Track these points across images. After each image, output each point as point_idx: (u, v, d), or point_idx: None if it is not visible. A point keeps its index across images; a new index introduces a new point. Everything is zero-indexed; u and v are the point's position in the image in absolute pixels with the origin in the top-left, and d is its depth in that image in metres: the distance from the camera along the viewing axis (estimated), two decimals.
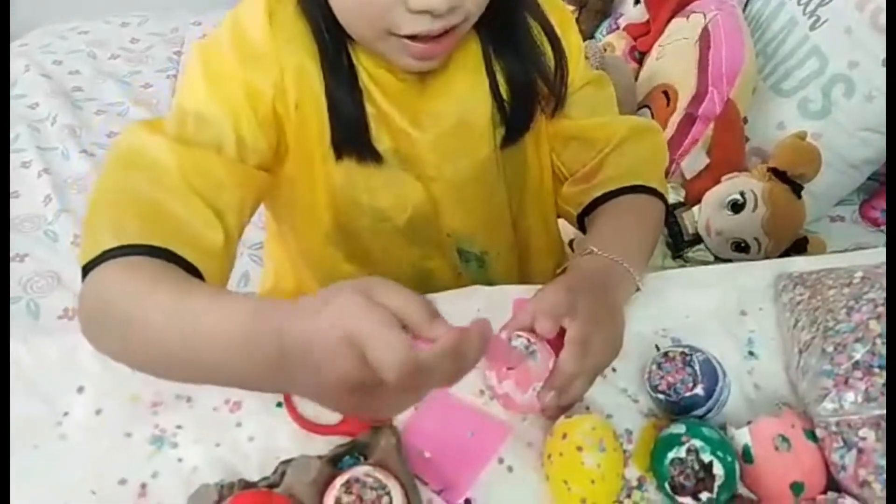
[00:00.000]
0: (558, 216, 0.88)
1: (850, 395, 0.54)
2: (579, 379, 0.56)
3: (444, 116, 0.72)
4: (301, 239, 0.82)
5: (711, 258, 1.15)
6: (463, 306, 0.70)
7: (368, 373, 0.37)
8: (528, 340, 0.58)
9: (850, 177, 1.19)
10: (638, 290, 0.69)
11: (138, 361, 0.54)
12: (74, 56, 1.90)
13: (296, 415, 0.62)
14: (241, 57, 0.64)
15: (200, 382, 0.53)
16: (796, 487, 0.54)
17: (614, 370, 0.66)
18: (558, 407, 0.57)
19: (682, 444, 0.54)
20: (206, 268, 0.58)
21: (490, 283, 0.76)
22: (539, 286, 0.67)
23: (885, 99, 1.08)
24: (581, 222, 0.80)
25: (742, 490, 0.56)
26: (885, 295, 0.58)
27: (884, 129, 1.11)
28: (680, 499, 0.54)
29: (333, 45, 0.66)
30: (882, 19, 1.08)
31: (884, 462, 0.52)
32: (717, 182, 1.15)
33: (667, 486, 0.55)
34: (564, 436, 0.56)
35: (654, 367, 0.62)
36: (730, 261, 1.12)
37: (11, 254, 1.32)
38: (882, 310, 0.58)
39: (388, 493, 0.52)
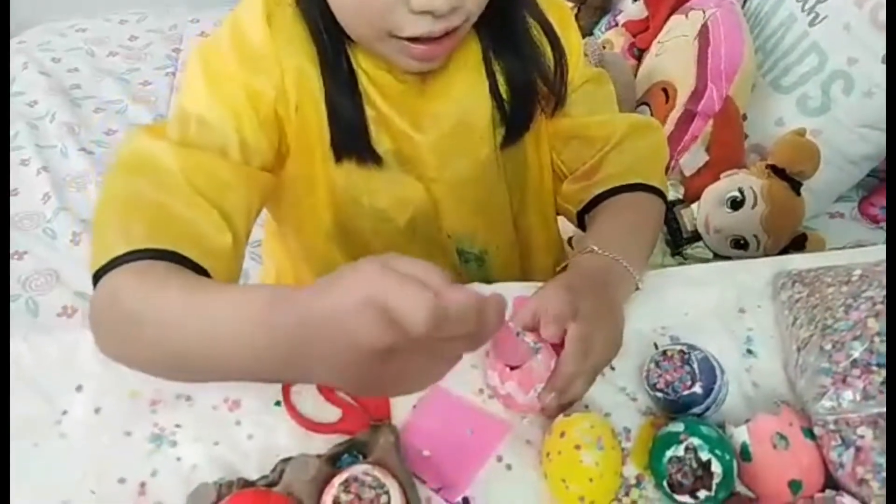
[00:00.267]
0: (558, 214, 0.88)
1: (848, 394, 0.54)
2: (579, 379, 0.57)
3: (444, 118, 0.71)
4: (302, 239, 0.82)
5: (710, 255, 1.15)
6: None
7: (395, 332, 0.35)
8: (534, 340, 0.58)
9: (849, 173, 1.19)
10: (637, 288, 0.69)
11: (153, 364, 0.53)
12: (73, 53, 1.89)
13: (295, 413, 0.62)
14: (242, 59, 0.64)
15: (217, 379, 0.51)
16: (794, 485, 0.54)
17: (613, 368, 0.66)
18: (558, 406, 0.57)
19: (680, 442, 0.54)
20: (216, 269, 0.58)
21: (489, 282, 0.76)
22: (539, 283, 0.67)
23: (885, 96, 1.08)
24: (581, 220, 0.80)
25: (740, 488, 0.57)
26: (884, 293, 0.58)
27: (883, 125, 1.11)
28: (678, 497, 0.54)
29: (332, 47, 0.66)
30: (881, 16, 1.08)
31: (882, 460, 0.52)
32: (717, 179, 1.15)
33: (665, 484, 0.55)
34: (563, 434, 0.56)
35: (652, 365, 0.62)
36: (729, 258, 1.12)
37: (10, 251, 1.32)
38: (881, 307, 0.58)
39: (387, 492, 0.52)
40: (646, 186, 0.77)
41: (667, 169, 1.15)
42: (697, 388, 0.59)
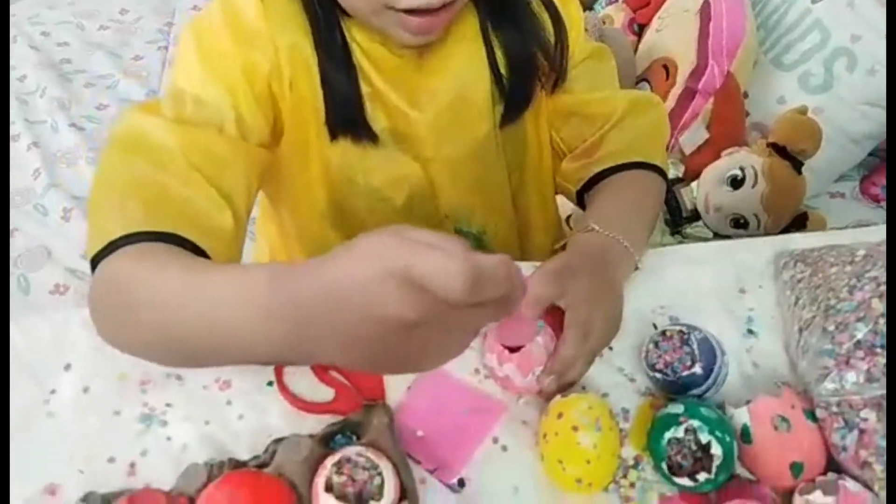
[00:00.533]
0: (557, 192, 0.87)
1: (851, 375, 0.53)
2: (579, 361, 0.56)
3: (441, 94, 0.70)
4: (296, 218, 0.80)
5: (710, 234, 1.14)
6: None
7: (427, 301, 0.32)
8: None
9: (850, 152, 1.18)
10: (637, 268, 0.68)
11: (153, 348, 0.52)
12: (62, 27, 1.86)
13: (287, 393, 0.61)
14: (235, 36, 0.62)
15: (216, 363, 0.50)
16: (796, 468, 0.53)
17: (611, 349, 0.64)
18: (556, 388, 0.56)
19: (679, 423, 0.53)
20: (216, 249, 0.56)
21: None
22: (537, 263, 0.66)
23: (885, 76, 1.06)
24: (580, 199, 0.79)
25: (740, 470, 0.56)
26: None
27: (885, 103, 1.10)
28: (677, 479, 0.53)
29: (325, 20, 0.64)
30: None
31: (885, 443, 0.51)
32: (717, 157, 1.13)
33: (664, 466, 0.54)
34: (560, 415, 0.55)
35: (651, 345, 0.61)
36: (728, 237, 1.11)
37: None
38: (885, 288, 0.57)
39: (380, 473, 0.51)
40: (646, 165, 0.75)
41: (667, 147, 1.14)
42: (697, 369, 0.58)
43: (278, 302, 0.39)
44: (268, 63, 0.63)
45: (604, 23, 1.46)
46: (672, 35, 1.30)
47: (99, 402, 0.62)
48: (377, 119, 0.68)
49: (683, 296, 0.70)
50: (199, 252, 0.55)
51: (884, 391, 0.51)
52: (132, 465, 0.58)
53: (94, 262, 0.54)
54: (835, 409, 0.53)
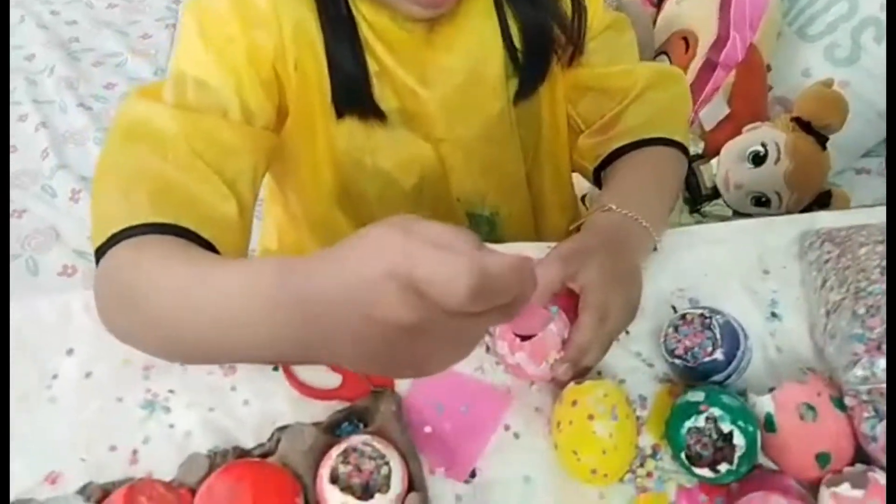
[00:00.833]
0: (573, 170, 0.84)
1: (882, 362, 0.51)
2: (594, 346, 0.53)
3: (453, 71, 0.67)
4: (303, 202, 0.78)
5: (730, 213, 1.11)
6: None
7: (426, 307, 0.30)
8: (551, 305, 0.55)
9: (877, 127, 1.14)
10: (655, 249, 0.65)
11: (162, 345, 0.50)
12: (71, 6, 1.84)
13: (293, 379, 0.59)
14: (238, 15, 0.60)
15: (225, 360, 0.49)
16: (822, 458, 0.50)
17: (628, 333, 0.62)
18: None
19: (700, 412, 0.51)
20: (222, 239, 0.55)
21: (499, 243, 0.72)
22: (552, 244, 0.64)
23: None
24: (597, 176, 0.76)
25: (763, 460, 0.53)
26: None
27: None
28: (697, 470, 0.51)
29: None
30: None
31: None
32: (738, 133, 1.10)
33: (683, 455, 0.52)
34: (574, 403, 0.52)
35: (670, 329, 0.58)
36: (749, 216, 1.08)
37: (9, 210, 1.29)
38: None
39: (387, 463, 0.49)
40: (667, 140, 0.72)
41: None
42: (719, 355, 0.55)
43: (285, 294, 0.37)
44: (272, 44, 0.61)
45: None
46: (692, 6, 1.26)
47: (101, 387, 0.61)
48: (386, 98, 0.66)
49: (704, 277, 0.67)
50: (203, 242, 0.53)
51: None
52: (134, 452, 0.57)
53: (98, 254, 0.53)
54: (865, 397, 0.51)
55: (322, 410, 0.57)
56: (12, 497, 0.53)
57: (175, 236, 0.52)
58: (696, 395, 0.53)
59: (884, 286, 0.54)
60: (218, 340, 0.43)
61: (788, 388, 0.53)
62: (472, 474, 0.54)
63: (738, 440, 0.50)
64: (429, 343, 0.32)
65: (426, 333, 0.31)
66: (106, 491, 0.52)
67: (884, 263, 0.56)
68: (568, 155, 0.80)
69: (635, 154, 0.72)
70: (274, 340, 0.38)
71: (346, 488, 0.48)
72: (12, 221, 1.28)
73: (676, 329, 0.58)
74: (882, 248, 0.57)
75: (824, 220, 0.71)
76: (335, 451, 0.49)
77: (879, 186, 1.17)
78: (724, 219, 1.10)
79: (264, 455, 0.54)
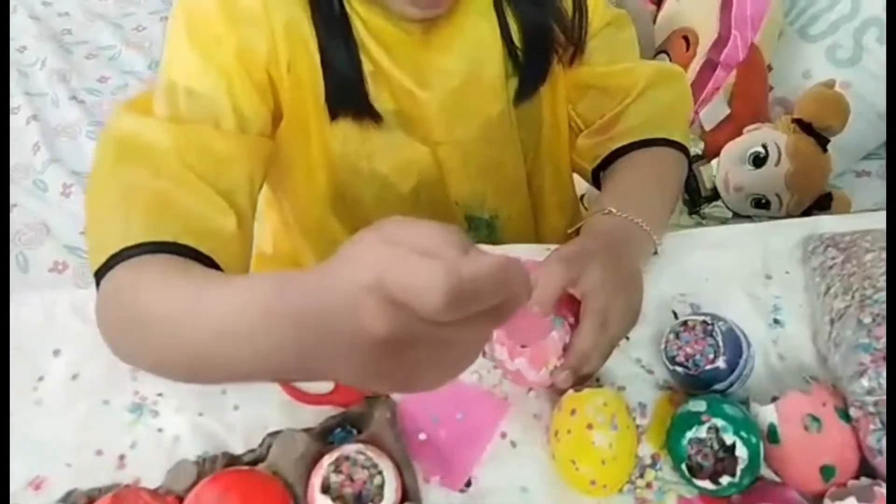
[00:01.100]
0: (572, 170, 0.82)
1: None
2: (596, 353, 0.52)
3: (451, 72, 0.65)
4: (298, 208, 0.76)
5: (729, 215, 1.10)
6: None
7: (401, 317, 0.28)
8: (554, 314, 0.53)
9: (878, 129, 1.13)
10: (655, 252, 0.64)
11: (166, 366, 0.48)
12: None
13: (285, 383, 0.58)
14: (229, 17, 0.58)
15: (227, 380, 0.47)
16: (826, 471, 0.49)
17: (627, 338, 0.60)
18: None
19: (702, 422, 0.50)
20: (221, 254, 0.53)
21: (497, 245, 0.71)
22: (550, 246, 0.62)
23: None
24: (595, 177, 0.74)
25: (765, 471, 0.52)
26: None
27: None
28: (698, 482, 0.50)
29: None
30: None
31: None
32: (738, 133, 1.08)
33: (683, 466, 0.50)
34: (573, 412, 0.51)
35: (671, 336, 0.57)
36: (749, 218, 1.07)
37: None
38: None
39: (380, 473, 0.48)
40: (667, 141, 0.71)
41: None
42: (721, 363, 0.54)
43: (283, 306, 0.35)
44: (265, 45, 0.59)
45: None
46: (693, 4, 1.24)
47: (88, 389, 0.60)
48: (382, 100, 0.64)
49: (705, 282, 0.66)
50: (203, 257, 0.52)
51: None
52: (121, 457, 0.56)
53: (98, 276, 0.51)
54: (871, 408, 0.49)
55: (314, 416, 0.56)
56: None
57: (174, 254, 0.51)
58: (698, 405, 0.51)
59: None
60: (219, 356, 0.41)
61: (792, 397, 0.51)
62: (468, 483, 0.53)
63: (741, 452, 0.49)
64: (417, 356, 0.30)
65: (411, 346, 0.30)
66: (90, 498, 0.51)
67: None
68: (568, 155, 0.79)
69: (635, 155, 0.71)
70: (274, 354, 0.37)
71: (338, 498, 0.47)
72: None
73: (677, 335, 0.57)
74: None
75: (828, 223, 0.70)
76: (327, 460, 0.48)
77: (880, 189, 1.16)
78: (723, 220, 1.09)
79: (255, 461, 0.52)
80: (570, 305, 0.54)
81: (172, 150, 0.55)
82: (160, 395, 0.59)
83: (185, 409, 0.57)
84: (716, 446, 0.50)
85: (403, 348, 0.30)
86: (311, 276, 0.34)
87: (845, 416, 0.51)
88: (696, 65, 1.17)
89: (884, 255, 0.56)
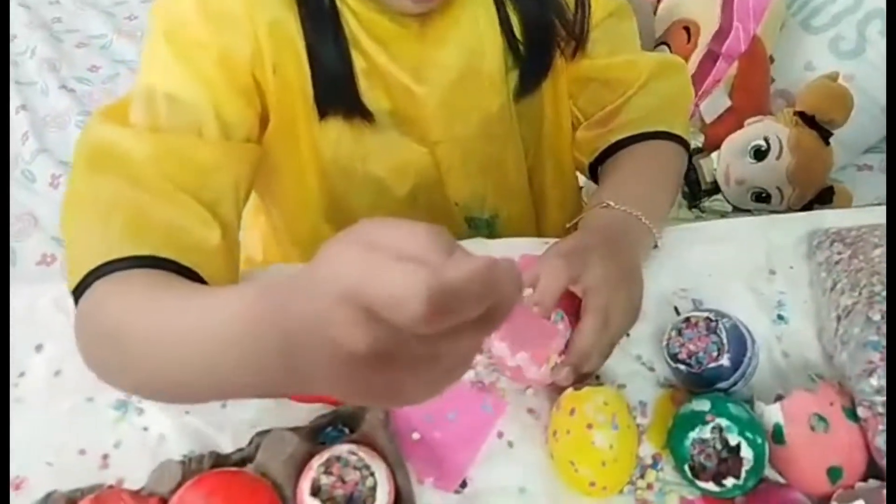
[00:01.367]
0: None
1: None
2: (597, 351, 0.51)
3: (449, 65, 0.63)
4: (288, 217, 0.74)
5: (729, 209, 1.08)
6: None
7: (379, 331, 0.26)
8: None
9: (881, 122, 1.12)
10: (656, 246, 0.62)
11: (151, 387, 0.46)
12: None
13: None
14: (209, 20, 0.55)
15: (216, 397, 0.45)
16: (833, 473, 0.48)
17: (627, 335, 0.59)
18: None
19: (706, 423, 0.48)
20: (204, 265, 0.51)
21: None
22: (548, 240, 0.60)
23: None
24: (593, 171, 0.72)
25: (769, 472, 0.50)
26: None
27: None
28: (701, 483, 0.48)
29: None
30: None
31: None
32: (739, 126, 1.07)
33: (686, 468, 0.49)
34: (572, 411, 0.50)
35: (673, 333, 0.56)
36: (749, 212, 1.05)
37: None
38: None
39: (373, 474, 0.47)
40: (667, 134, 0.69)
41: None
42: (725, 361, 0.52)
43: (267, 312, 0.33)
44: (247, 47, 0.56)
45: None
46: None
47: (71, 386, 0.58)
48: (377, 99, 0.62)
49: (707, 277, 0.64)
50: (188, 271, 0.50)
51: None
52: (105, 457, 0.55)
53: (76, 293, 0.49)
54: (880, 408, 0.48)
55: (305, 414, 0.54)
56: None
57: (156, 268, 0.48)
58: (702, 404, 0.50)
59: None
60: (203, 368, 0.39)
61: (798, 397, 0.50)
62: (464, 484, 0.52)
63: (746, 453, 0.47)
64: (403, 369, 0.28)
65: (396, 359, 0.27)
66: (71, 500, 0.49)
67: None
68: (571, 151, 0.77)
69: (634, 148, 0.69)
70: (259, 365, 0.34)
71: (329, 500, 0.46)
72: None
73: (680, 332, 0.55)
74: None
75: (832, 218, 0.68)
76: (316, 462, 0.46)
77: (881, 183, 1.14)
78: (723, 214, 1.08)
79: (243, 461, 0.51)
80: (568, 301, 0.53)
81: (150, 161, 0.52)
82: None
83: (172, 408, 0.56)
84: (720, 447, 0.48)
85: (386, 362, 0.27)
86: (290, 285, 0.32)
87: (853, 415, 0.49)
88: (696, 56, 1.15)
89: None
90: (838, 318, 0.55)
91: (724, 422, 0.48)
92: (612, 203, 0.61)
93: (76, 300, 0.49)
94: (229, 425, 0.55)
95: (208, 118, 0.55)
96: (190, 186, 0.53)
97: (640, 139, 0.69)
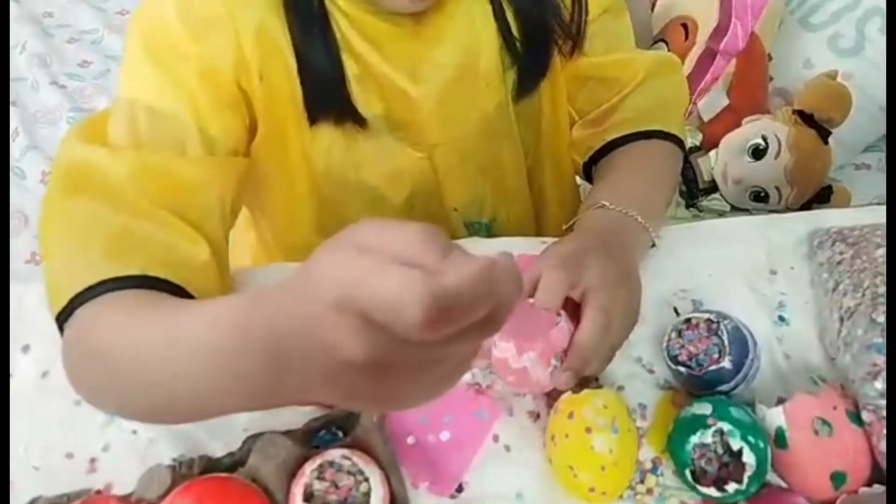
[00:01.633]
0: None
1: None
2: (598, 354, 0.50)
3: (445, 64, 0.61)
4: (279, 229, 0.72)
5: (727, 208, 1.08)
6: None
7: (378, 338, 0.25)
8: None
9: (879, 121, 1.11)
10: (653, 246, 0.61)
11: (133, 400, 0.43)
12: None
13: None
14: (190, 30, 0.53)
15: (207, 415, 0.42)
16: (837, 478, 0.47)
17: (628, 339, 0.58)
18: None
19: (707, 426, 0.47)
20: (196, 284, 0.49)
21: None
22: (545, 239, 0.59)
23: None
24: (588, 170, 0.71)
25: (770, 476, 0.50)
26: None
27: None
28: (702, 488, 0.47)
29: None
30: None
31: None
32: (737, 124, 1.06)
33: (687, 472, 0.48)
34: (571, 415, 0.49)
35: (674, 334, 0.55)
36: (747, 211, 1.05)
37: None
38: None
39: (367, 479, 0.46)
40: (663, 133, 0.68)
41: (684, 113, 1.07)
42: (726, 363, 0.51)
43: (255, 320, 0.32)
44: (231, 57, 0.54)
45: None
46: None
47: (59, 389, 0.56)
48: (370, 104, 0.59)
49: (707, 278, 0.63)
50: (175, 287, 0.48)
51: None
52: (92, 461, 0.54)
53: (60, 320, 0.47)
54: (884, 412, 0.47)
55: (298, 417, 0.53)
56: None
57: (144, 288, 0.47)
58: (703, 408, 0.49)
59: None
60: (189, 382, 0.37)
61: (800, 400, 0.49)
62: (459, 489, 0.51)
63: (748, 458, 0.46)
64: (401, 376, 0.27)
65: (394, 366, 0.26)
66: None
67: None
68: (569, 150, 0.75)
69: (630, 147, 0.68)
70: (247, 373, 0.33)
71: None
72: None
73: (680, 334, 0.55)
74: None
75: (833, 217, 0.67)
76: (309, 467, 0.45)
77: (879, 182, 1.14)
78: (721, 214, 1.07)
79: (234, 465, 0.50)
80: (567, 307, 0.51)
81: (129, 180, 0.50)
82: None
83: None
84: (721, 451, 0.48)
85: (385, 370, 0.26)
86: (281, 287, 0.30)
87: (857, 419, 0.49)
88: (694, 54, 1.14)
89: None
90: (841, 320, 0.54)
91: (725, 426, 0.47)
92: (608, 203, 0.59)
93: (59, 326, 0.47)
94: (220, 429, 0.53)
95: (191, 133, 0.53)
96: (174, 205, 0.51)
97: (636, 138, 0.68)
